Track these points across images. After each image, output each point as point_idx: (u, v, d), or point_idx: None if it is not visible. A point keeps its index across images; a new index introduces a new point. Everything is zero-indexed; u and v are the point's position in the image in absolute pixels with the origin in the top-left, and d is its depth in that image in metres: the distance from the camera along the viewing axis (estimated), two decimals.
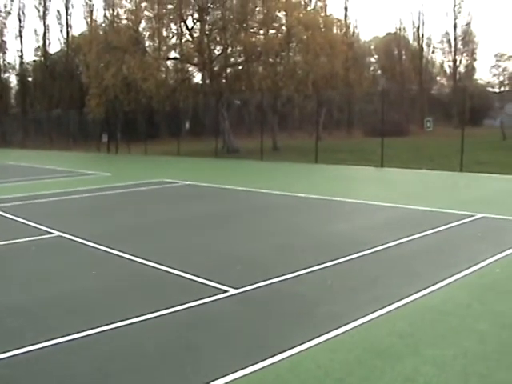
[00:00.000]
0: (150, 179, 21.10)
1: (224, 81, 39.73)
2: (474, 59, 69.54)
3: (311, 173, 24.47)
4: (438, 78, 74.33)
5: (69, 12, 67.89)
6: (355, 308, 6.31)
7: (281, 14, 37.86)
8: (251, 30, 37.50)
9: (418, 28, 70.56)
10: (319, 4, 44.67)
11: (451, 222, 11.44)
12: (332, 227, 11.32)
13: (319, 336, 5.50)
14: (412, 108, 65.36)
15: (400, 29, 72.81)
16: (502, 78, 47.63)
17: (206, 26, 38.10)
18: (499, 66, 47.39)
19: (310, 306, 6.46)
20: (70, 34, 67.33)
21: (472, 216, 12.06)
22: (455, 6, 68.37)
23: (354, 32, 67.05)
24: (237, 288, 7.03)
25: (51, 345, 5.42)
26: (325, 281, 7.42)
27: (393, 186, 19.11)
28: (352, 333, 5.62)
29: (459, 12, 68.43)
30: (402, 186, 19.03)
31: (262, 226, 11.64)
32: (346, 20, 63.49)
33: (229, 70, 40.16)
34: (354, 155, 30.61)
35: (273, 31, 37.69)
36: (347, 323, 5.81)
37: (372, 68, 75.27)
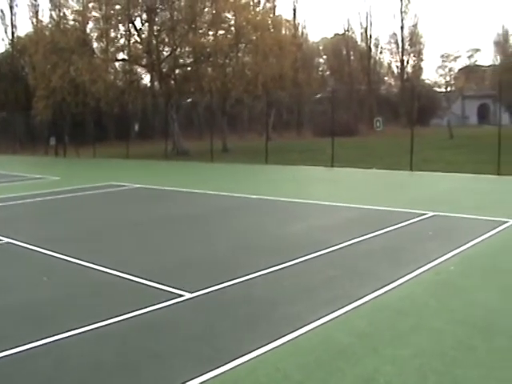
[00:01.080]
0: (99, 183, 20.76)
1: (173, 82, 39.43)
2: (421, 59, 70.78)
3: (262, 174, 24.49)
4: (386, 79, 75.47)
5: (13, 12, 66.23)
6: (313, 309, 6.28)
7: (230, 15, 37.81)
8: (200, 31, 37.33)
9: (366, 29, 71.47)
10: (268, 5, 44.76)
11: (404, 220, 11.57)
12: (286, 228, 11.31)
13: (277, 339, 5.45)
14: (361, 108, 66.19)
15: (348, 30, 73.62)
16: (448, 78, 48.58)
17: (155, 27, 37.77)
18: (445, 67, 48.38)
19: (267, 308, 6.41)
20: (14, 35, 65.80)
21: (424, 214, 12.23)
22: (402, 7, 69.57)
23: (302, 33, 67.44)
24: (192, 292, 6.93)
25: None
26: (281, 282, 7.38)
27: (345, 186, 19.26)
28: (310, 334, 5.59)
29: (406, 13, 69.66)
30: (353, 186, 19.19)
31: (216, 228, 11.55)
32: (294, 21, 63.80)
33: (178, 72, 39.87)
34: (304, 155, 30.78)
35: (222, 32, 37.61)
36: (305, 325, 5.78)
37: (321, 69, 75.90)
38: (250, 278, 7.53)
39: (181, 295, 6.84)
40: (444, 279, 7.45)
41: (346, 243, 9.51)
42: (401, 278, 7.41)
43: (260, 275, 7.67)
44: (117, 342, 5.56)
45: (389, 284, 7.14)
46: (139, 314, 6.22)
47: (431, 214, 12.37)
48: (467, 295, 6.82)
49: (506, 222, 11.31)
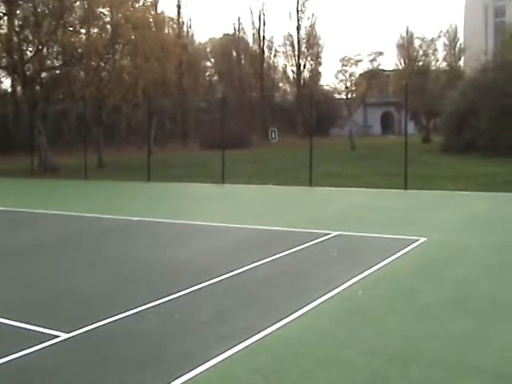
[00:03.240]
0: None
1: (39, 87, 38.33)
2: (319, 63, 72.74)
3: (144, 192, 24.23)
4: (281, 84, 76.87)
5: None
6: (208, 345, 6.21)
7: (105, 11, 37.29)
8: (70, 29, 36.50)
9: (259, 29, 72.58)
10: (149, 0, 44.54)
11: (305, 242, 11.74)
12: (173, 253, 11.18)
13: (172, 381, 5.34)
14: (253, 117, 67.00)
15: (239, 30, 74.49)
16: (348, 84, 50.03)
17: (16, 22, 36.61)
18: (345, 71, 49.73)
19: (156, 346, 6.27)
20: None
21: (327, 234, 12.47)
22: (298, 5, 71.07)
23: (188, 32, 67.69)
24: (69, 332, 6.67)
25: None
26: (172, 316, 7.26)
27: (238, 205, 19.36)
28: (208, 374, 5.51)
29: (303, 12, 71.25)
30: (248, 204, 19.33)
31: (93, 256, 11.26)
32: (179, 19, 64.00)
33: (45, 75, 38.81)
34: (191, 171, 30.75)
35: (96, 30, 37.00)
36: (201, 363, 5.69)
37: (208, 73, 76.35)
38: (137, 312, 7.36)
39: (56, 336, 6.56)
40: (352, 305, 7.59)
41: (241, 269, 9.51)
42: (305, 306, 7.47)
43: (147, 308, 7.51)
44: None
45: (292, 313, 7.18)
46: (6, 362, 5.89)
47: (335, 233, 12.63)
48: (378, 322, 6.96)
49: (416, 240, 11.73)
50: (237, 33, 74.52)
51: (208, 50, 76.55)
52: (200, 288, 8.45)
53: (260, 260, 10.10)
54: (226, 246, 11.91)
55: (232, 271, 9.34)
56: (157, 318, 7.22)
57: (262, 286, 8.59)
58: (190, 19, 71.27)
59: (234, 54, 73.86)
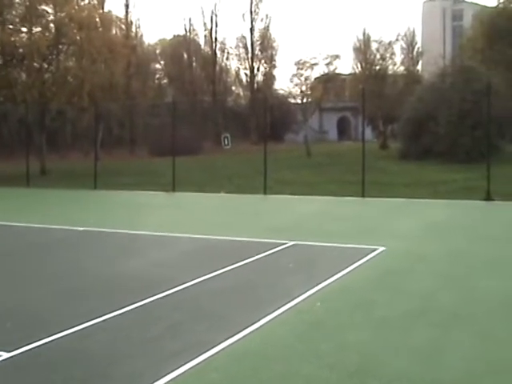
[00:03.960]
0: None
1: None
2: (274, 67, 72.86)
3: (91, 201, 23.97)
4: (234, 88, 76.89)
5: None
6: (159, 363, 6.13)
7: (48, 9, 36.81)
8: (10, 27, 35.97)
9: (211, 30, 72.50)
10: None
11: (260, 252, 11.74)
12: (122, 266, 11.06)
13: None
14: (205, 122, 66.87)
15: (190, 31, 74.33)
16: (304, 88, 50.21)
17: None
18: (301, 75, 49.90)
19: (103, 364, 6.17)
20: None
21: (282, 244, 12.49)
22: (252, 6, 71.21)
23: (136, 33, 67.25)
24: (10, 351, 6.53)
25: None
26: (118, 333, 7.17)
27: (189, 214, 19.27)
28: None
29: (256, 13, 71.43)
30: (199, 213, 19.26)
31: (37, 269, 11.07)
32: (127, 18, 63.50)
33: None
34: (140, 178, 30.48)
35: (38, 29, 36.47)
36: (151, 383, 5.62)
37: (158, 76, 75.97)
38: (83, 329, 7.24)
39: None
40: (310, 318, 7.59)
41: (193, 281, 9.45)
42: (261, 319, 7.45)
43: (94, 324, 7.40)
44: None
45: (247, 327, 7.15)
46: None
47: (291, 243, 12.65)
48: (337, 335, 6.98)
49: (375, 249, 11.82)
50: (188, 34, 74.37)
51: (158, 51, 76.21)
52: (150, 302, 8.37)
53: (213, 272, 10.05)
54: (177, 257, 11.84)
55: (183, 284, 9.27)
56: (104, 335, 7.12)
57: (214, 299, 8.54)
58: (139, 19, 70.88)
59: (185, 56, 73.63)
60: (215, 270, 10.14)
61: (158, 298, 8.53)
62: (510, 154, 34.17)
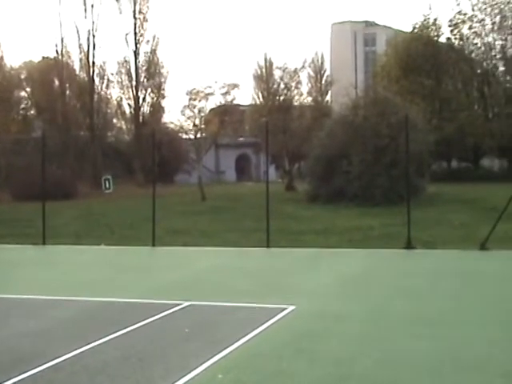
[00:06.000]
0: None
1: None
2: (163, 96, 72.64)
3: None
4: (116, 121, 76.30)
5: None
6: None
7: None
8: None
9: (88, 53, 71.75)
10: None
11: (149, 316, 11.61)
12: None
13: None
14: (81, 161, 66.04)
15: (62, 53, 73.28)
16: (197, 122, 50.27)
17: None
18: (194, 106, 49.93)
19: None
20: None
21: (177, 305, 12.40)
22: (136, 26, 70.78)
23: None
24: None
25: None
26: None
27: (64, 271, 18.86)
28: None
29: (142, 35, 71.16)
30: (76, 271, 18.87)
31: None
32: None
33: None
34: (1, 228, 29.68)
35: None
36: None
37: (23, 106, 74.66)
38: None
39: None
40: None
41: (68, 355, 9.23)
42: None
43: None
44: None
45: None
46: None
47: (186, 303, 12.58)
48: None
49: (284, 309, 11.86)
50: (59, 57, 73.34)
51: (23, 76, 74.81)
52: (15, 382, 8.09)
53: (92, 342, 9.84)
54: (49, 325, 11.53)
55: (56, 358, 9.03)
56: None
57: (93, 377, 8.31)
58: (1, 37, 69.90)
59: (57, 82, 72.47)
60: (95, 340, 9.93)
61: (26, 377, 8.28)
62: (431, 195, 35.20)
